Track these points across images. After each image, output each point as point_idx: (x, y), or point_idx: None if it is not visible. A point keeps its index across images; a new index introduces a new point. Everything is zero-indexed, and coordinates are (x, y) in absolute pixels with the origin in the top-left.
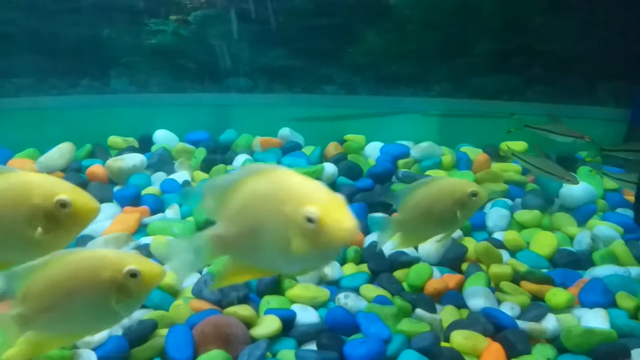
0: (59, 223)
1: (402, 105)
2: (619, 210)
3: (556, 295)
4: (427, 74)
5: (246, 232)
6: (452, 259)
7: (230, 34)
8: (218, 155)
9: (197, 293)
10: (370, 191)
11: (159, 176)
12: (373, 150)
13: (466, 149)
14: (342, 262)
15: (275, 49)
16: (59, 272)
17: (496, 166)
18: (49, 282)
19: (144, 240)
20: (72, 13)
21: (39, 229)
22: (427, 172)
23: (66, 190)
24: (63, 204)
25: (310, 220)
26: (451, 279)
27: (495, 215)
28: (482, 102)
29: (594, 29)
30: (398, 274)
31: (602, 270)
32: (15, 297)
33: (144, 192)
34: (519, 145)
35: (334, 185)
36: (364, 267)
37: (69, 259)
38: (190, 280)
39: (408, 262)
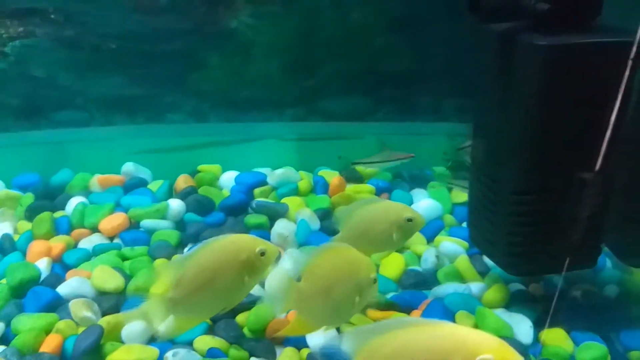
0: (257, 268)
1: (257, 131)
2: (465, 224)
3: None
4: (278, 98)
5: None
6: None
7: (56, 63)
8: (46, 200)
9: None
10: (221, 226)
11: None
12: (228, 180)
13: (324, 172)
14: None
15: (110, 77)
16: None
17: (350, 188)
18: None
19: None
20: None
21: (246, 277)
22: (284, 200)
23: (262, 243)
24: (262, 253)
25: None
26: None
27: None
28: (336, 124)
29: (437, 48)
30: (240, 317)
31: (444, 289)
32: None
33: None
34: None
35: (181, 223)
36: None
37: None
38: None
39: (251, 304)
